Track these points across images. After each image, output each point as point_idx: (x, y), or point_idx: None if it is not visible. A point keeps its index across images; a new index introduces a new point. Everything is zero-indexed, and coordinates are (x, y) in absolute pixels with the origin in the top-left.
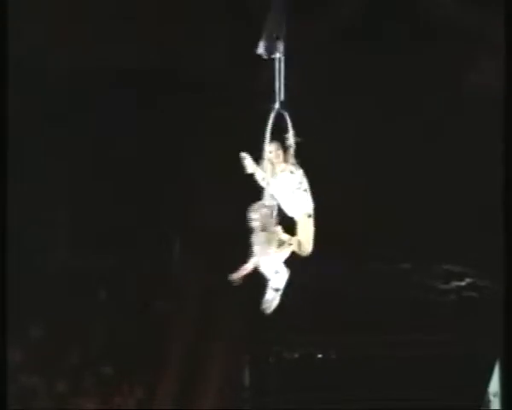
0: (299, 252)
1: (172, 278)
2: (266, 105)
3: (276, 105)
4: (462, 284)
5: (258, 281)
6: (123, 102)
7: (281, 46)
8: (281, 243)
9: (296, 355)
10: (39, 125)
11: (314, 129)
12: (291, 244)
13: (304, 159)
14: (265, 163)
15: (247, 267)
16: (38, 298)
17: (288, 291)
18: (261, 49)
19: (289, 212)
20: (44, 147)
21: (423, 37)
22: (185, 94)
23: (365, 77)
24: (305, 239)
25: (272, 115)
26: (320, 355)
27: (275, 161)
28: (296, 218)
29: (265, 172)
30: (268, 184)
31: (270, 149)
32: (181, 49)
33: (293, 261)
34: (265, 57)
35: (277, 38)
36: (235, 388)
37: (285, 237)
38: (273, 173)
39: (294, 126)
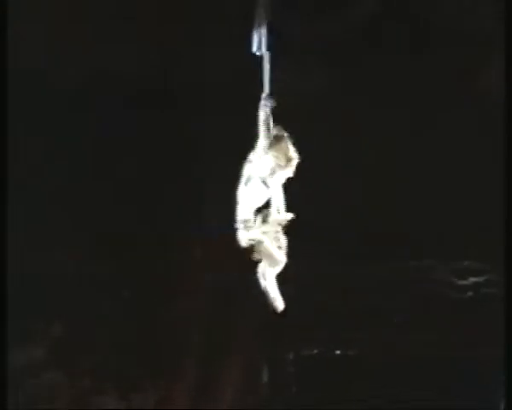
0: None
1: (189, 276)
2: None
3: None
4: (481, 280)
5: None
6: (123, 102)
7: (269, 41)
8: None
9: (315, 352)
10: (39, 125)
11: (321, 128)
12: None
13: (318, 157)
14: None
15: None
16: (59, 297)
17: (308, 287)
18: (253, 45)
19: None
20: (44, 147)
21: (427, 38)
22: (185, 94)
23: (366, 77)
24: None
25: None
26: (338, 352)
27: None
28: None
29: None
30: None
31: None
32: (181, 49)
33: (313, 257)
34: (258, 53)
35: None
36: (253, 384)
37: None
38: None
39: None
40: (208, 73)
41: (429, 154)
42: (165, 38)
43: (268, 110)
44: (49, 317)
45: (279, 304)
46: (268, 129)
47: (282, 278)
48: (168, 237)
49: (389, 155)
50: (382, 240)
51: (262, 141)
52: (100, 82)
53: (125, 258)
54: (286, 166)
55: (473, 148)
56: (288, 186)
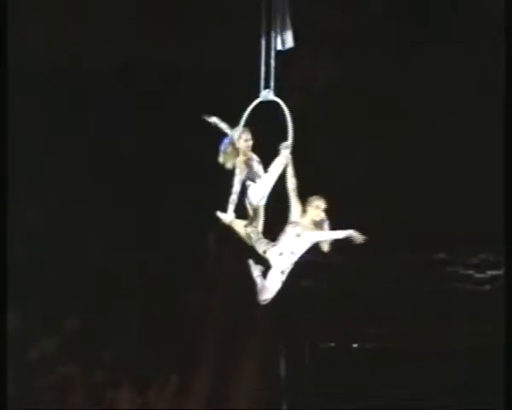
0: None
1: (205, 269)
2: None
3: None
4: (498, 272)
5: (292, 271)
6: (123, 102)
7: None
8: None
9: (332, 345)
10: (39, 125)
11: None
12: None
13: (336, 153)
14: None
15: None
16: (75, 292)
17: (324, 281)
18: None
19: (254, 200)
20: (44, 147)
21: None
22: (185, 94)
23: (368, 77)
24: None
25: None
26: (355, 345)
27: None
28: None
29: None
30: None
31: (247, 136)
32: (181, 48)
33: (328, 252)
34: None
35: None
36: (270, 378)
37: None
38: (242, 162)
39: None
40: (209, 73)
41: (443, 151)
42: (165, 37)
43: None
44: (64, 311)
45: (262, 295)
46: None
47: (300, 273)
48: (181, 232)
49: (405, 152)
50: (398, 234)
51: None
52: (100, 82)
53: (138, 254)
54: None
55: (487, 144)
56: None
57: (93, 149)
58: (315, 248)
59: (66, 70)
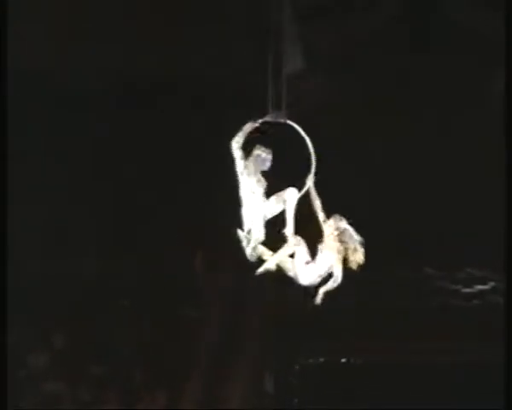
0: None
1: (196, 283)
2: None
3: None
4: (486, 287)
5: (280, 287)
6: (123, 103)
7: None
8: None
9: (321, 360)
10: (39, 125)
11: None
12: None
13: (325, 166)
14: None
15: None
16: (61, 306)
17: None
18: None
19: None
20: (44, 147)
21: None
22: (186, 95)
23: (371, 80)
24: None
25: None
26: (344, 360)
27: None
28: None
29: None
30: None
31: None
32: (181, 49)
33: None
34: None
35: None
36: (260, 394)
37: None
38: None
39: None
40: (209, 75)
41: (433, 163)
42: (165, 38)
43: None
44: (52, 326)
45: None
46: None
47: (291, 289)
48: (171, 243)
49: (392, 164)
50: (387, 249)
51: None
52: (99, 82)
53: (127, 268)
54: None
55: (476, 157)
56: None
57: (93, 149)
58: None
59: (67, 70)
